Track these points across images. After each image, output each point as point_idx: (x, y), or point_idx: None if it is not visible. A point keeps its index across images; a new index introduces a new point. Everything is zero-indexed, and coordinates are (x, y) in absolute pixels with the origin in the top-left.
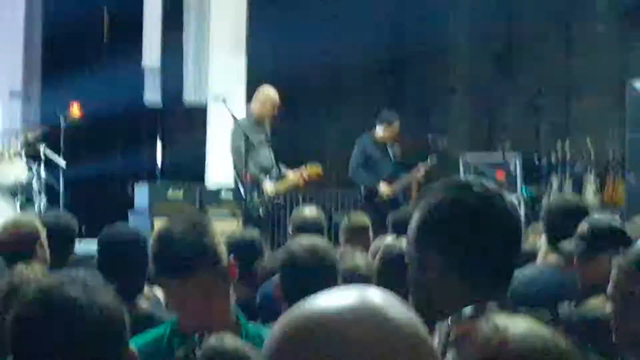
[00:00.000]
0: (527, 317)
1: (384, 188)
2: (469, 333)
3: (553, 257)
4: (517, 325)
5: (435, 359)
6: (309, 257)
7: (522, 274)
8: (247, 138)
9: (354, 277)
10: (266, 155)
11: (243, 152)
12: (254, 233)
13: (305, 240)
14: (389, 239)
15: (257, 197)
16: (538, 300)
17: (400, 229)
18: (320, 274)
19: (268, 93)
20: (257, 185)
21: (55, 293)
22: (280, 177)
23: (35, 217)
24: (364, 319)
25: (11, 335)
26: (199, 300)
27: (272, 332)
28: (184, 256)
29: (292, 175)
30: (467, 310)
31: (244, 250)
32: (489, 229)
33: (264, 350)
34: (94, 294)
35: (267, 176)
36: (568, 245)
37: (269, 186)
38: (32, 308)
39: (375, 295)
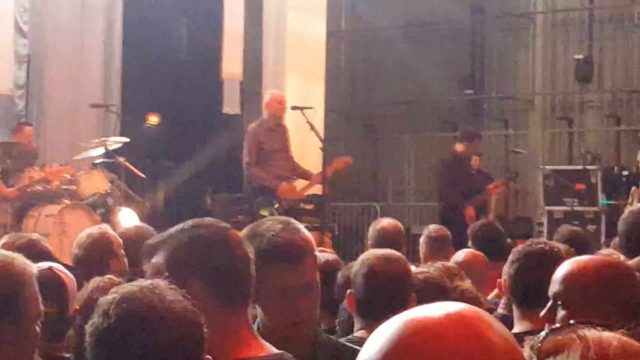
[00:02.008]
0: (614, 332)
1: (469, 214)
2: (560, 348)
3: None
4: (609, 340)
5: None
6: (384, 268)
7: None
8: (261, 146)
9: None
10: (281, 163)
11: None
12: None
13: (381, 252)
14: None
15: (268, 207)
16: None
17: (479, 240)
18: (395, 285)
19: (274, 98)
20: (268, 192)
21: (133, 303)
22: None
23: (110, 230)
24: (467, 330)
25: (91, 347)
26: (302, 289)
27: (372, 340)
28: (299, 244)
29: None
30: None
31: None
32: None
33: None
34: (172, 303)
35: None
36: None
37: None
38: (111, 319)
39: (473, 310)
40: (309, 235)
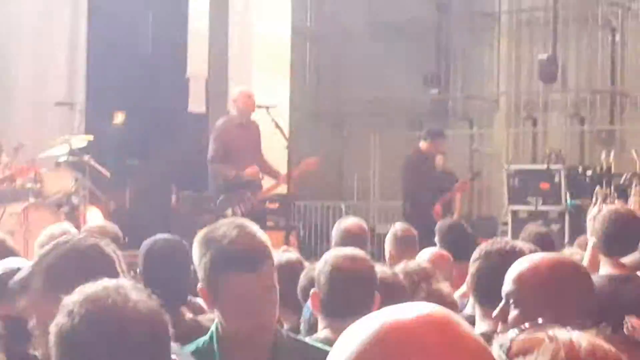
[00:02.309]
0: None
1: (437, 212)
2: (529, 348)
3: (607, 269)
4: (579, 340)
5: None
6: (349, 267)
7: None
8: (229, 143)
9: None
10: (249, 161)
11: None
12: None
13: (345, 251)
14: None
15: (230, 206)
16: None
17: (447, 239)
18: (360, 284)
19: (242, 94)
20: (231, 192)
21: (99, 303)
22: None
23: (73, 228)
24: (438, 328)
25: (56, 347)
26: (261, 294)
27: (344, 341)
28: (256, 251)
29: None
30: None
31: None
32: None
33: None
34: (137, 303)
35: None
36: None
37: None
38: (75, 319)
39: (444, 311)
40: (265, 238)
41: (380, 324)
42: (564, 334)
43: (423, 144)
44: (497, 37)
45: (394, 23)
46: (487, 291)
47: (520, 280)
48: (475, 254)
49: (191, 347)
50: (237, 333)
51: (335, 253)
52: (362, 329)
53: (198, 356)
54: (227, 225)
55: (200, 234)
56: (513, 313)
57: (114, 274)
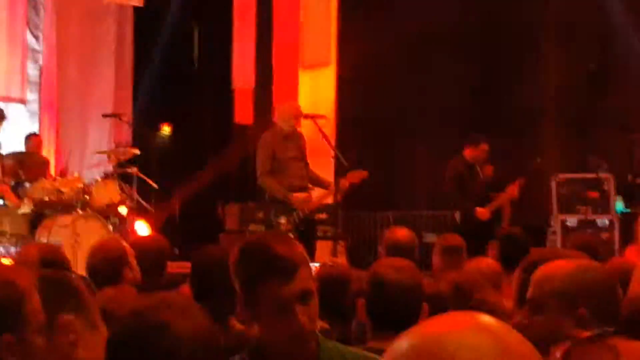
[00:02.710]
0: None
1: (480, 210)
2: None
3: None
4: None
5: None
6: (395, 277)
7: None
8: (275, 154)
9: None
10: (297, 172)
11: (268, 169)
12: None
13: (391, 262)
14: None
15: (285, 215)
16: None
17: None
18: (406, 294)
19: (289, 106)
20: (282, 203)
21: (148, 316)
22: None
23: (122, 239)
24: (490, 334)
25: (107, 356)
26: (298, 300)
27: (395, 351)
28: (292, 256)
29: (318, 193)
30: (583, 336)
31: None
32: None
33: None
34: (187, 316)
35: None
36: None
37: (297, 203)
38: (125, 332)
39: (490, 320)
40: (300, 247)
41: (430, 333)
42: (623, 343)
43: (466, 151)
44: (545, 46)
45: (442, 31)
46: None
47: (541, 285)
48: (521, 264)
49: None
50: (277, 344)
51: (381, 263)
52: (409, 339)
53: None
54: (262, 237)
55: (236, 247)
56: (536, 318)
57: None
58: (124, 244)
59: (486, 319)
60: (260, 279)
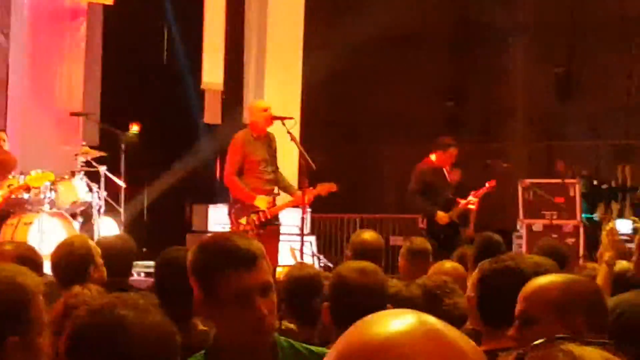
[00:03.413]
0: (597, 348)
1: (440, 215)
2: None
3: None
4: (592, 355)
5: None
6: (358, 280)
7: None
8: (246, 156)
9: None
10: (264, 175)
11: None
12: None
13: (354, 264)
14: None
15: (243, 218)
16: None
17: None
18: (369, 297)
19: (258, 105)
20: (244, 204)
21: (106, 314)
22: (273, 200)
23: (88, 238)
24: (426, 342)
25: (64, 356)
26: (259, 291)
27: (329, 355)
28: (252, 249)
29: (287, 200)
30: (537, 341)
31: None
32: None
33: None
34: (146, 314)
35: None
36: None
37: (260, 201)
38: (83, 328)
39: (433, 319)
40: (259, 244)
41: (359, 339)
42: (577, 348)
43: (434, 155)
44: (514, 50)
45: (410, 34)
46: (491, 309)
47: (532, 299)
48: (480, 272)
49: None
50: (235, 338)
51: (345, 266)
52: (344, 344)
53: None
54: (221, 234)
55: (198, 242)
56: (526, 332)
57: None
58: (90, 242)
59: (424, 318)
60: (220, 270)
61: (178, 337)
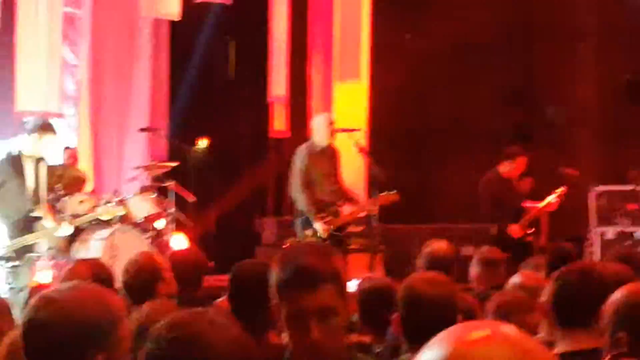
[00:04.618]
0: None
1: (513, 229)
2: None
3: None
4: None
5: None
6: (429, 291)
7: None
8: (309, 169)
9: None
10: (328, 188)
11: (301, 183)
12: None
13: (425, 275)
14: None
15: (310, 230)
16: None
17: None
18: (440, 308)
19: (323, 118)
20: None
21: (182, 329)
22: (336, 212)
23: (156, 253)
24: (504, 350)
25: None
26: (311, 317)
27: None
28: (317, 269)
29: (350, 210)
30: None
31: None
32: None
33: None
34: (221, 329)
35: (321, 213)
36: None
37: (318, 226)
38: (162, 345)
39: (510, 329)
40: (335, 261)
41: (451, 343)
42: None
43: (502, 166)
44: (583, 56)
45: (477, 42)
46: (568, 311)
47: (619, 309)
48: (557, 275)
49: None
50: (298, 355)
51: (416, 277)
52: (434, 345)
53: None
54: (300, 246)
55: (277, 256)
56: (619, 342)
57: None
58: (158, 258)
59: (504, 327)
60: (284, 288)
61: (255, 352)
